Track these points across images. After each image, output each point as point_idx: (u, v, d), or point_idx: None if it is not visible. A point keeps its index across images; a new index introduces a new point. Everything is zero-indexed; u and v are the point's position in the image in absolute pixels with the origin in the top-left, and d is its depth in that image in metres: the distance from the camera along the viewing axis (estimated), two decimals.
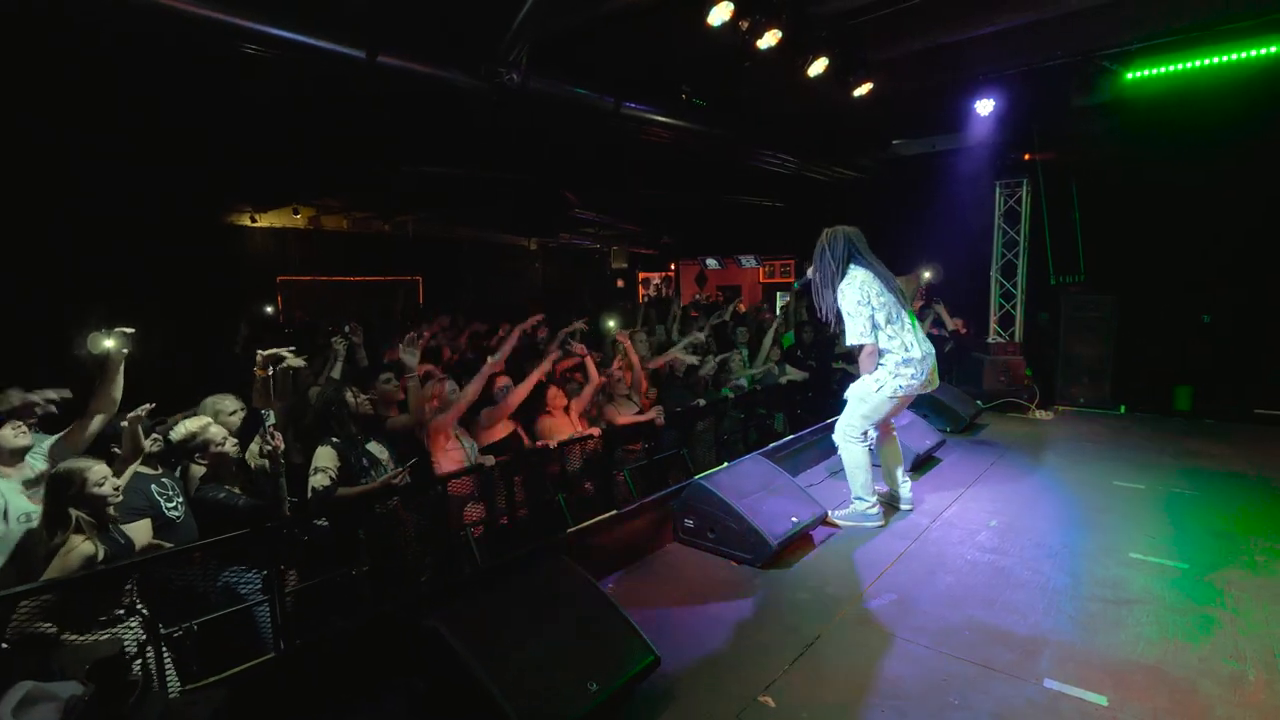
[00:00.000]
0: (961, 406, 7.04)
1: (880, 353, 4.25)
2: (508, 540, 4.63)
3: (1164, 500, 4.89)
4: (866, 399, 4.30)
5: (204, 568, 3.63)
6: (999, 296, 9.24)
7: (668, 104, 8.62)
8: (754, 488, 4.12)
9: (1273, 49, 6.79)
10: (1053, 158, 9.40)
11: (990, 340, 8.85)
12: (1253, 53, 6.96)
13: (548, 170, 12.43)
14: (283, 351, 4.11)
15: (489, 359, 4.74)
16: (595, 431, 5.39)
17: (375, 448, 4.06)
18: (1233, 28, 6.99)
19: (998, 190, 9.11)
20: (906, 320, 4.30)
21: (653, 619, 3.21)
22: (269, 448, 3.57)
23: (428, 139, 10.03)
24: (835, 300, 4.30)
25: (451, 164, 11.50)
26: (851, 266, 4.27)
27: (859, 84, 7.44)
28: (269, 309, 14.66)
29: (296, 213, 14.61)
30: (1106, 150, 8.99)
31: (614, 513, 3.80)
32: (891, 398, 4.26)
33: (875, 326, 4.20)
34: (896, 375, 4.23)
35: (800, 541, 4.05)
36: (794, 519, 4.00)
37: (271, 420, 3.69)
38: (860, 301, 4.16)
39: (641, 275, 22.02)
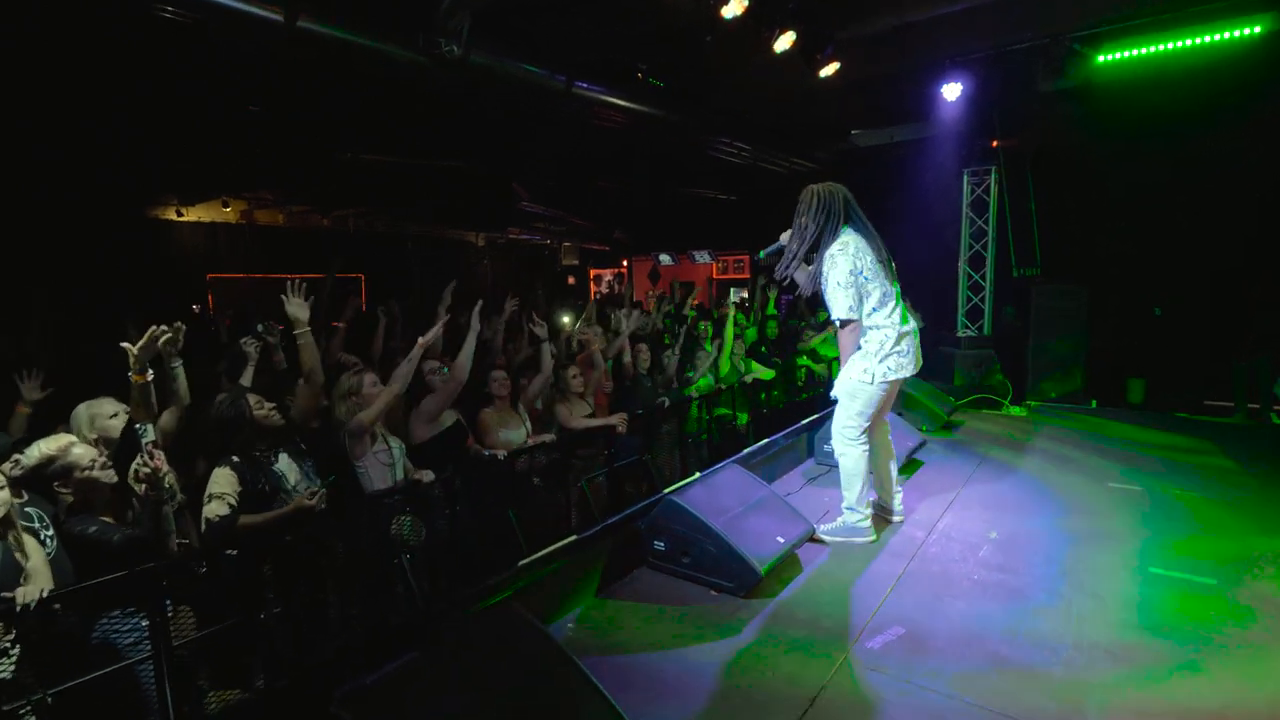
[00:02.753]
0: (938, 403, 6.67)
1: (864, 331, 3.79)
2: (452, 565, 4.05)
3: (1165, 504, 4.54)
4: (858, 394, 3.82)
5: (71, 616, 2.96)
6: (966, 289, 8.93)
7: (623, 86, 8.08)
8: (732, 503, 3.61)
9: (1251, 29, 6.56)
10: (1017, 145, 9.15)
11: (960, 334, 8.54)
12: (1228, 34, 6.74)
13: (495, 161, 11.79)
14: (159, 330, 3.19)
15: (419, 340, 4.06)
16: (547, 437, 4.83)
17: (285, 465, 3.41)
18: (1208, 7, 6.76)
19: (965, 179, 8.80)
20: (893, 296, 3.84)
21: (623, 670, 2.67)
22: (147, 469, 2.91)
23: (365, 124, 9.30)
24: (820, 267, 3.78)
25: (391, 152, 10.78)
26: (845, 229, 3.77)
27: (826, 63, 7.01)
28: (195, 307, 13.67)
29: (226, 206, 13.61)
30: (1074, 137, 8.76)
31: (573, 538, 3.24)
32: (883, 384, 3.78)
33: (863, 301, 3.73)
34: (883, 358, 3.76)
35: (786, 563, 3.55)
36: (780, 539, 3.49)
37: (150, 436, 3.04)
38: (853, 271, 3.67)
39: (593, 272, 21.44)
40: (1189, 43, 7.14)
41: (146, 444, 3.02)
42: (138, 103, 7.56)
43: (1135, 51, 7.42)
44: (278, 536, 3.24)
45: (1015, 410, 7.62)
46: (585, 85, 7.57)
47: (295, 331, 3.75)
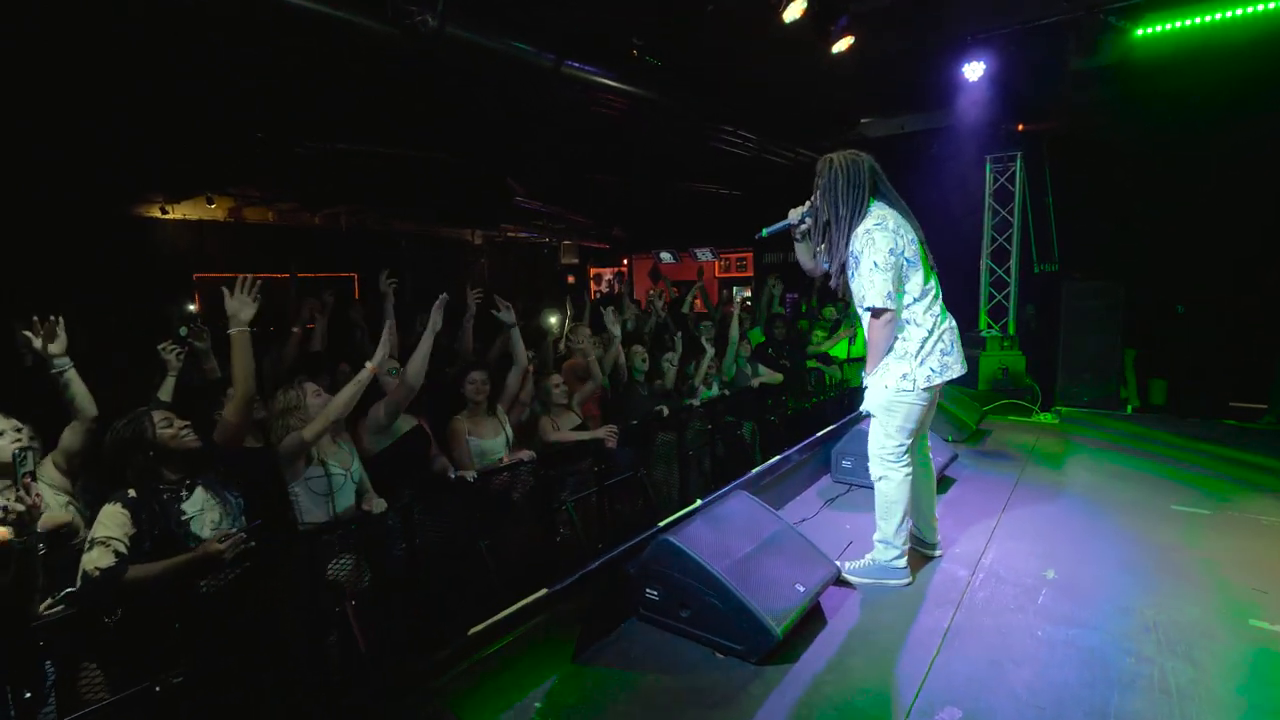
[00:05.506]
0: (965, 410, 6.05)
1: (900, 326, 3.16)
2: (409, 613, 3.44)
3: (1244, 531, 3.90)
4: (895, 406, 3.19)
5: None
6: (989, 285, 8.29)
7: (618, 67, 7.45)
8: (740, 542, 2.98)
9: None
10: (1041, 131, 8.52)
11: (983, 334, 7.91)
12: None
13: (489, 155, 11.18)
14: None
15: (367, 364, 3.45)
16: (525, 455, 4.21)
17: (199, 502, 2.78)
18: None
19: (988, 166, 8.16)
20: (933, 286, 3.23)
21: None
22: (20, 508, 2.31)
23: (354, 117, 8.71)
24: (848, 247, 3.14)
25: (381, 145, 10.18)
26: (875, 204, 3.16)
27: (839, 37, 6.40)
28: (191, 307, 13.13)
29: (211, 202, 13.07)
30: (1105, 121, 8.12)
31: (543, 593, 2.61)
32: (926, 390, 3.15)
33: (902, 288, 3.12)
34: (924, 358, 3.13)
35: (808, 616, 2.92)
36: (799, 586, 2.87)
37: (28, 466, 2.43)
38: (893, 250, 3.04)
39: (593, 271, 20.88)
40: (1234, 13, 6.50)
41: (23, 476, 2.42)
42: (118, 96, 7.07)
43: (1176, 24, 6.77)
44: (179, 590, 2.62)
45: (1045, 417, 6.99)
46: (576, 65, 6.95)
47: (230, 330, 3.11)
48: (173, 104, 7.39)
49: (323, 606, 3.00)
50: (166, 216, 12.92)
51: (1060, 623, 2.90)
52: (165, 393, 3.38)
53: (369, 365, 3.36)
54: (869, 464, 3.35)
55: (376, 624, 3.08)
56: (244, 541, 2.69)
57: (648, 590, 2.90)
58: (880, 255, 3.04)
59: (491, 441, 4.18)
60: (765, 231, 3.53)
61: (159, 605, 2.61)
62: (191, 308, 13.19)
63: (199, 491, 2.80)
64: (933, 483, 3.66)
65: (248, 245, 14.03)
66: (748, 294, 17.27)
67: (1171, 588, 3.21)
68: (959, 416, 5.94)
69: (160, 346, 3.44)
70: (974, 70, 7.64)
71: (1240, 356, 8.21)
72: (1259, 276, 8.09)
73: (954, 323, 3.30)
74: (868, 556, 3.36)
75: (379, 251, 16.07)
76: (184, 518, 2.70)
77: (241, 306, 3.11)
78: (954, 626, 2.89)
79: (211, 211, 13.33)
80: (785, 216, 3.42)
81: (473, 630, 2.31)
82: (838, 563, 3.27)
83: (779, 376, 7.07)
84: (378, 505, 3.38)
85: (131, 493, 2.64)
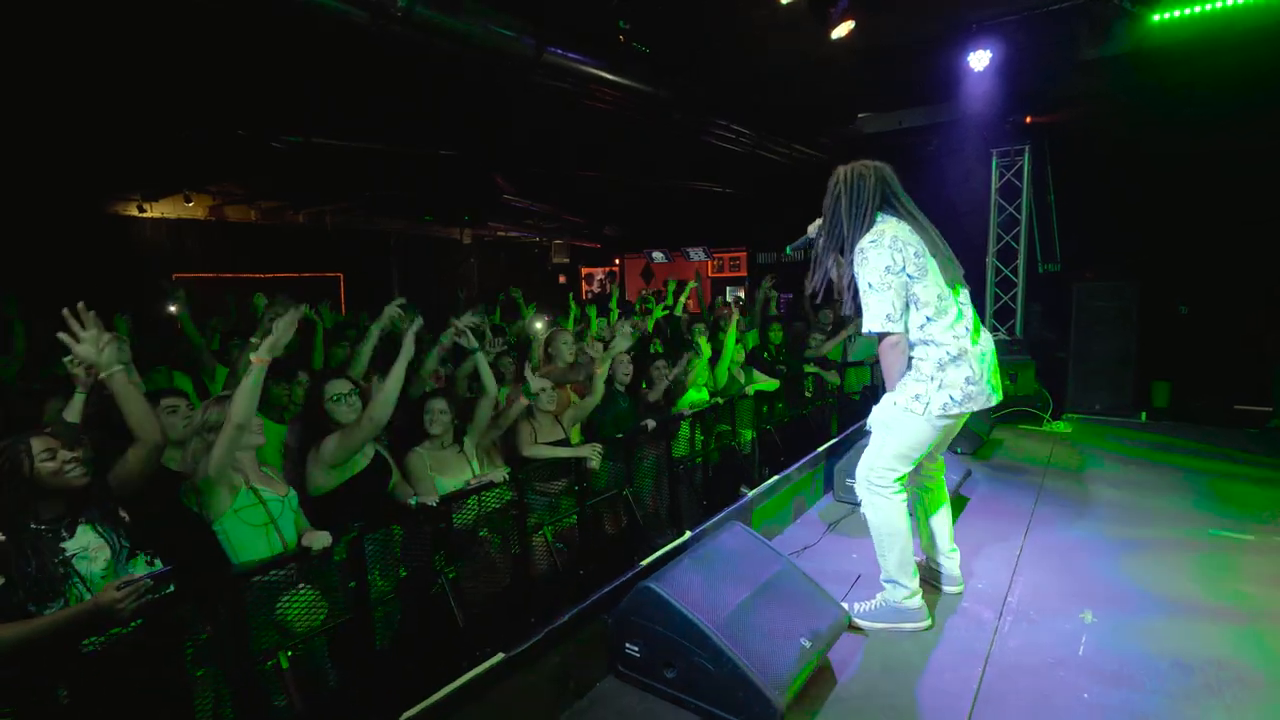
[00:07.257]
0: (975, 420, 5.64)
1: (912, 345, 2.77)
2: (354, 662, 3.00)
3: None
4: (898, 426, 2.79)
5: None
6: (994, 285, 7.89)
7: (605, 55, 7.02)
8: (735, 588, 2.55)
9: None
10: (1050, 123, 8.13)
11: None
12: None
13: (477, 151, 10.75)
14: None
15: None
16: (496, 476, 3.77)
17: (85, 541, 2.34)
18: None
19: (994, 161, 7.76)
20: (956, 299, 2.83)
21: None
22: None
23: (322, 105, 8.26)
24: (852, 266, 2.80)
25: (354, 138, 9.74)
26: (880, 217, 2.80)
27: (840, 21, 5.98)
28: (172, 309, 12.70)
29: (189, 200, 12.61)
30: (1119, 113, 7.73)
31: (501, 658, 2.19)
32: (940, 419, 2.75)
33: (909, 307, 2.73)
34: (943, 384, 2.73)
35: (815, 675, 2.50)
36: (804, 641, 2.44)
37: None
38: (889, 268, 2.67)
39: (584, 271, 20.48)
40: None
41: None
42: (89, 88, 6.66)
43: (1195, 9, 6.38)
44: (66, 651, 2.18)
45: (1058, 426, 6.60)
46: (559, 51, 6.52)
47: (102, 375, 2.63)
48: (146, 97, 6.98)
49: (252, 667, 2.56)
50: (144, 215, 12.52)
51: (1109, 682, 2.48)
52: (73, 413, 2.92)
53: (253, 356, 2.79)
54: (856, 484, 2.95)
55: (311, 687, 2.63)
56: (148, 590, 2.24)
57: (627, 645, 2.48)
58: (875, 274, 2.70)
59: (455, 480, 3.73)
60: (789, 249, 3.30)
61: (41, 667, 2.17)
62: (172, 309, 12.77)
63: (85, 531, 2.36)
64: (947, 507, 3.25)
65: (229, 245, 13.66)
66: (741, 294, 16.89)
67: (1226, 634, 2.81)
68: (969, 427, 5.52)
69: (67, 359, 2.98)
70: (980, 59, 7.22)
71: (1245, 358, 7.87)
72: (1266, 276, 7.74)
73: (990, 348, 2.89)
74: (879, 596, 2.95)
75: (366, 251, 15.70)
76: (66, 555, 2.26)
77: (95, 350, 2.63)
78: (985, 687, 2.47)
79: (191, 210, 12.92)
80: (805, 232, 3.13)
81: (406, 715, 1.88)
82: (845, 604, 2.86)
83: (774, 383, 6.65)
84: (319, 541, 2.93)
85: None
